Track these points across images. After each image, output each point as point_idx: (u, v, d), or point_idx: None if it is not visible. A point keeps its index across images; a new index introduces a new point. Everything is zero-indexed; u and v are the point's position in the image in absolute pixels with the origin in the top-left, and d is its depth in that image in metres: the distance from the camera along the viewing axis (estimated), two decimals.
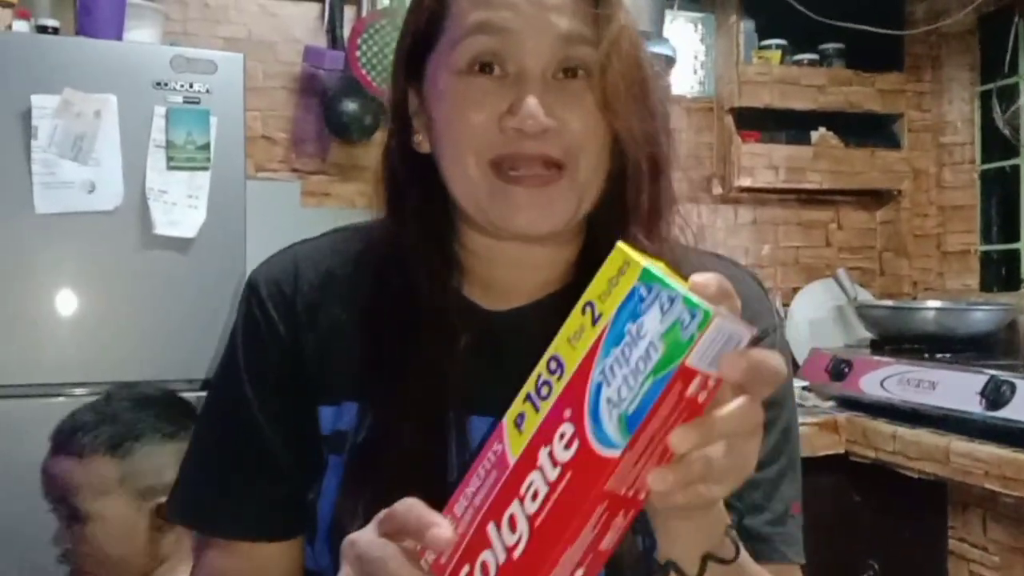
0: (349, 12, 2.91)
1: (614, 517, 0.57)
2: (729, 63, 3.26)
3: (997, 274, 3.20)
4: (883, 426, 2.42)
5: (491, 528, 0.58)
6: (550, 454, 0.56)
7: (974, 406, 2.24)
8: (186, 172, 2.09)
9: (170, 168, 2.08)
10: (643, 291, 0.55)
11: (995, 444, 2.13)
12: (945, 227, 3.37)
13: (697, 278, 0.56)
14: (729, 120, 3.25)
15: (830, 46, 3.30)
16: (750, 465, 0.62)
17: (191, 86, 2.10)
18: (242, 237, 2.15)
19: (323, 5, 2.90)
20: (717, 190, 3.30)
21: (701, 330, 0.52)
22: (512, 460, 0.58)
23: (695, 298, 0.53)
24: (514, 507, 0.57)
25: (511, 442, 0.59)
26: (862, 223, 3.52)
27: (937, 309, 2.88)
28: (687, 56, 3.31)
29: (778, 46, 3.28)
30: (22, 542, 1.96)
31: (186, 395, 2.06)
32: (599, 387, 0.55)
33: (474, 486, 0.60)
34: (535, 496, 0.56)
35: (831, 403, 2.72)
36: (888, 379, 2.52)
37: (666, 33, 3.00)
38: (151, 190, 2.07)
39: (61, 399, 2.03)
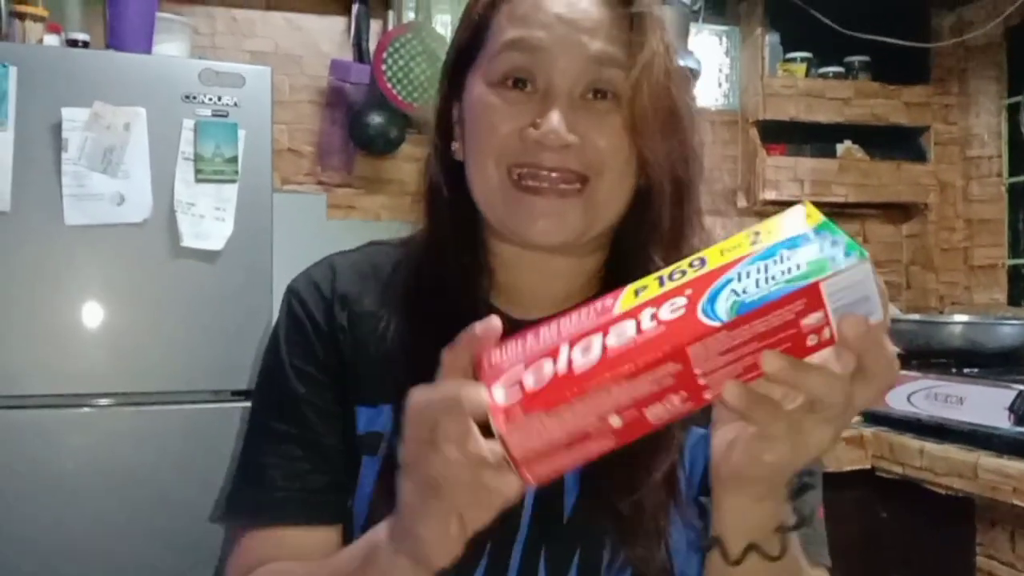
0: (375, 26, 2.93)
1: (674, 392, 0.58)
2: (754, 76, 3.26)
3: None
4: (910, 441, 2.40)
5: (564, 347, 0.59)
6: (654, 314, 0.58)
7: (1003, 421, 2.22)
8: (214, 185, 2.11)
9: (198, 181, 2.10)
10: (811, 234, 0.58)
11: None
12: (972, 241, 3.35)
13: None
14: (754, 133, 3.24)
15: (856, 59, 3.29)
16: (811, 449, 0.63)
17: (219, 99, 2.12)
18: (269, 249, 2.17)
19: (349, 19, 2.92)
20: (742, 203, 3.29)
21: (848, 264, 0.55)
22: (616, 311, 0.60)
23: (857, 244, 0.56)
24: (595, 338, 0.59)
25: (622, 301, 0.61)
26: (888, 237, 3.49)
27: (965, 323, 2.85)
28: (712, 69, 3.30)
29: (803, 59, 3.27)
30: (47, 550, 1.98)
31: (212, 406, 2.08)
32: (729, 280, 0.57)
33: (568, 321, 0.61)
34: (620, 335, 0.58)
35: (857, 418, 2.70)
36: (915, 394, 2.50)
37: (691, 46, 3.00)
38: (179, 202, 2.09)
39: (87, 410, 2.05)
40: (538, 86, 0.86)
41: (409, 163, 2.93)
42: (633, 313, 0.59)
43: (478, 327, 0.64)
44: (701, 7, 3.15)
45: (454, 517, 0.63)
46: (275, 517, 0.91)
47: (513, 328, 0.86)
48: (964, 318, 2.92)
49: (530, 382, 0.59)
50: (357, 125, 2.86)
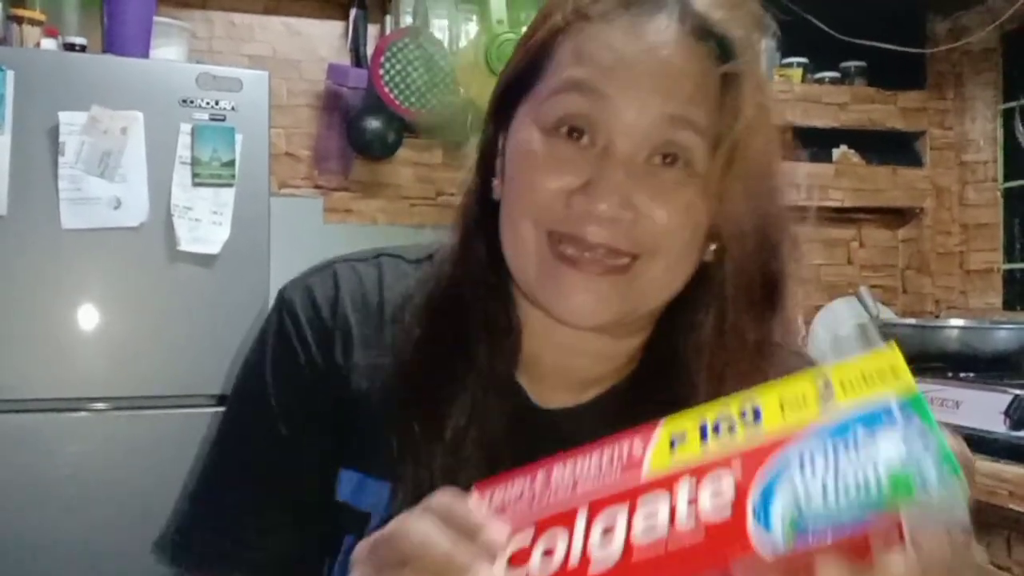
0: (373, 30, 2.93)
1: None
2: None
3: (1021, 292, 3.18)
4: None
5: (581, 518, 0.50)
6: (692, 497, 0.48)
7: (998, 426, 2.22)
8: (211, 189, 2.11)
9: (195, 185, 2.10)
10: (897, 412, 0.47)
11: (1020, 464, 2.11)
12: (968, 245, 3.35)
13: (952, 443, 0.47)
14: None
15: (852, 64, 3.29)
16: None
17: (217, 103, 2.12)
18: (266, 253, 2.17)
19: (347, 23, 2.92)
20: None
21: (940, 487, 0.45)
22: (646, 470, 0.50)
23: (952, 455, 0.45)
24: (620, 515, 0.49)
25: (654, 452, 0.51)
26: (884, 241, 3.50)
27: (960, 328, 2.86)
28: None
29: (799, 64, 3.27)
30: (43, 554, 1.98)
31: (209, 410, 2.08)
32: (787, 468, 0.47)
33: (587, 466, 0.52)
34: (650, 523, 0.48)
35: None
36: None
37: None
38: (176, 206, 2.09)
39: (83, 414, 2.05)
40: (597, 141, 0.72)
41: (406, 167, 2.94)
42: (667, 483, 0.49)
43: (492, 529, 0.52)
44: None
45: None
46: (232, 570, 0.82)
47: (533, 418, 0.79)
48: (960, 322, 2.93)
49: (536, 568, 0.49)
50: (354, 129, 2.86)
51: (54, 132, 2.03)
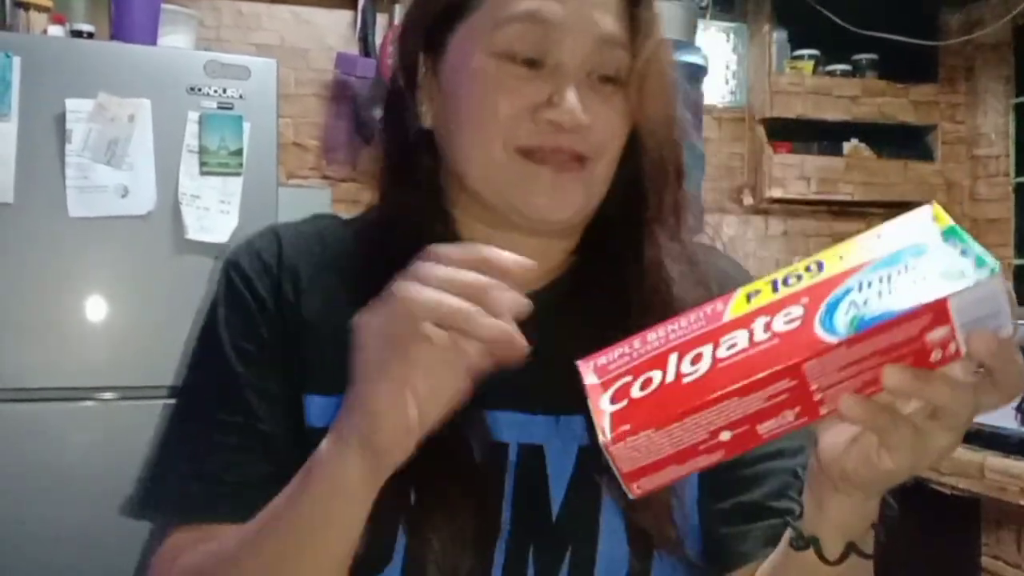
0: (381, 20, 2.92)
1: (788, 408, 0.56)
2: (761, 73, 3.24)
3: None
4: None
5: (673, 357, 0.57)
6: (767, 324, 0.55)
7: (1010, 421, 2.21)
8: (219, 177, 2.10)
9: (203, 173, 2.08)
10: (939, 240, 0.54)
11: None
12: (979, 240, 3.32)
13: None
14: (760, 130, 3.23)
15: (863, 57, 3.28)
16: (931, 455, 0.60)
17: (224, 91, 2.11)
18: None
19: (356, 13, 2.91)
20: (748, 200, 3.28)
21: (979, 279, 0.52)
22: (726, 318, 0.57)
23: (987, 256, 0.53)
24: (705, 348, 0.56)
25: (733, 306, 0.58)
26: None
27: None
28: (719, 66, 3.29)
29: (811, 56, 3.26)
30: (49, 544, 1.97)
31: None
32: (848, 290, 0.54)
33: (676, 327, 0.59)
34: (732, 346, 0.56)
35: None
36: None
37: (698, 42, 2.98)
38: (184, 195, 2.08)
39: (89, 403, 2.04)
40: (546, 62, 0.81)
41: None
42: (745, 322, 0.56)
43: (507, 257, 0.64)
44: (709, 3, 3.14)
45: (409, 391, 0.62)
46: (207, 512, 0.81)
47: None
48: None
49: (638, 396, 0.57)
50: (362, 119, 2.85)
51: (61, 119, 2.01)
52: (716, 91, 3.30)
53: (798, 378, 0.54)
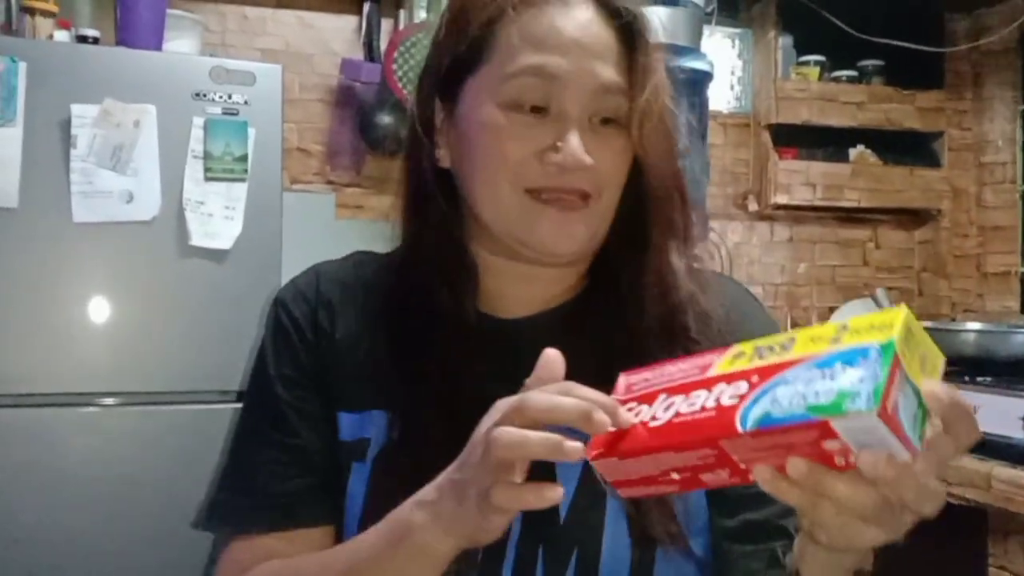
0: (386, 25, 2.92)
1: (720, 467, 0.64)
2: (767, 79, 3.24)
3: None
4: None
5: (661, 397, 0.68)
6: (720, 393, 0.64)
7: (1016, 431, 2.20)
8: (223, 183, 2.09)
9: (208, 179, 2.08)
10: (873, 353, 0.58)
11: None
12: (985, 248, 3.32)
13: (930, 385, 0.60)
14: (766, 136, 3.22)
15: (869, 63, 3.27)
16: (861, 540, 0.64)
17: (230, 97, 2.11)
18: (278, 249, 2.15)
19: (361, 18, 2.91)
20: (753, 207, 3.27)
21: (856, 413, 0.56)
22: (709, 373, 0.67)
23: (882, 392, 0.56)
24: (678, 399, 0.66)
25: (722, 362, 0.67)
26: (900, 242, 3.47)
27: (977, 331, 2.83)
28: (724, 71, 3.28)
29: (816, 62, 3.25)
30: (50, 549, 1.97)
31: (219, 406, 2.07)
32: (780, 383, 0.61)
33: (681, 367, 0.69)
34: (692, 404, 0.65)
35: None
36: None
37: (704, 48, 2.98)
38: (188, 201, 2.08)
39: (92, 409, 2.04)
40: (551, 110, 0.88)
41: None
42: (711, 383, 0.66)
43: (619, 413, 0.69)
44: (714, 9, 3.13)
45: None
46: (261, 523, 0.93)
47: (500, 328, 0.96)
48: (977, 326, 2.90)
49: (621, 419, 0.68)
50: (367, 125, 2.84)
51: (66, 125, 2.01)
52: (721, 97, 3.29)
53: (718, 450, 0.62)
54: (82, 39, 2.26)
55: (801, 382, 0.60)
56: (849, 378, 0.58)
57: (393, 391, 0.91)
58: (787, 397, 0.60)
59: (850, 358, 0.59)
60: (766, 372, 0.63)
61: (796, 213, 3.32)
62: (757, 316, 1.01)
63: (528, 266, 0.94)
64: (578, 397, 0.67)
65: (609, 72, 0.89)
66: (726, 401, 0.63)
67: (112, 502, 2.02)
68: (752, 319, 0.99)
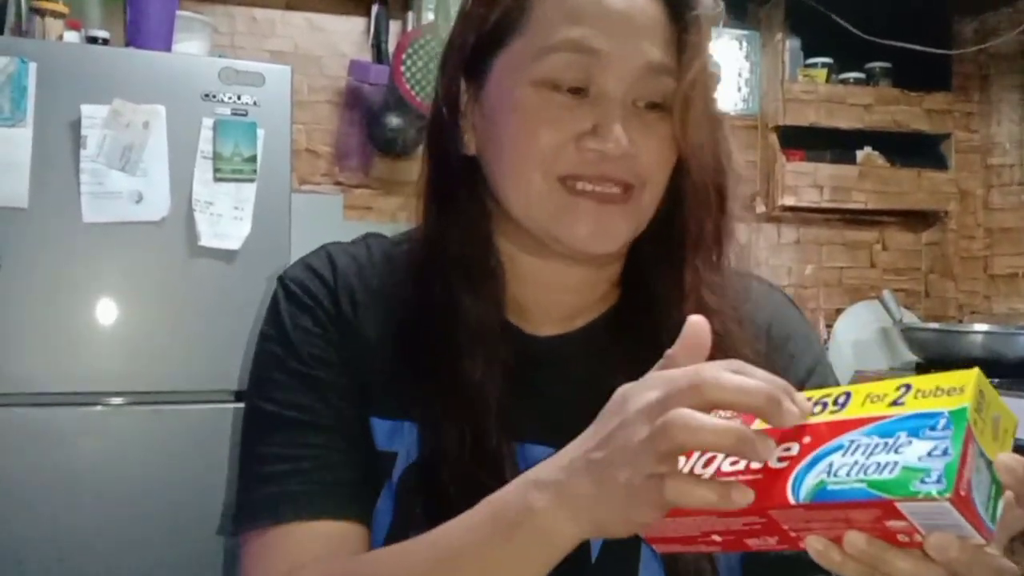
0: (395, 27, 2.92)
1: (767, 535, 0.58)
2: (774, 81, 3.24)
3: None
4: None
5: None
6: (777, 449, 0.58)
7: (1023, 433, 2.19)
8: (233, 184, 2.10)
9: (217, 180, 2.09)
10: (942, 422, 0.52)
11: None
12: (992, 249, 3.32)
13: (1005, 459, 0.53)
14: (773, 138, 3.22)
15: (877, 65, 3.27)
16: None
17: (239, 98, 2.12)
18: (287, 250, 2.16)
19: (369, 20, 2.91)
20: (760, 209, 3.27)
21: (927, 497, 0.50)
22: (755, 425, 0.60)
23: (955, 472, 0.50)
24: (720, 455, 0.59)
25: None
26: (908, 244, 3.47)
27: (984, 333, 2.83)
28: (732, 73, 3.29)
29: (824, 64, 3.25)
30: (58, 548, 1.97)
31: (228, 406, 2.08)
32: (837, 448, 0.55)
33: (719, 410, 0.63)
34: (735, 463, 0.58)
35: None
36: None
37: (711, 50, 2.98)
38: (197, 201, 2.08)
39: (101, 408, 2.05)
40: (591, 91, 0.80)
41: None
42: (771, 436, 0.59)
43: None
44: (722, 11, 3.13)
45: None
46: (308, 509, 0.80)
47: (526, 346, 0.86)
48: (984, 328, 2.90)
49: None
50: (375, 126, 2.85)
51: (76, 125, 2.02)
52: (729, 99, 3.29)
53: (767, 518, 0.56)
54: (92, 40, 2.27)
55: (860, 451, 0.54)
56: (916, 451, 0.52)
57: (418, 404, 0.82)
58: (845, 467, 0.53)
59: (916, 427, 0.53)
60: (819, 433, 0.56)
61: (803, 215, 3.32)
62: (799, 330, 0.93)
63: (558, 267, 0.86)
64: (758, 379, 0.57)
65: (657, 51, 0.80)
66: (775, 464, 0.56)
67: (122, 502, 2.03)
68: (795, 340, 0.91)
